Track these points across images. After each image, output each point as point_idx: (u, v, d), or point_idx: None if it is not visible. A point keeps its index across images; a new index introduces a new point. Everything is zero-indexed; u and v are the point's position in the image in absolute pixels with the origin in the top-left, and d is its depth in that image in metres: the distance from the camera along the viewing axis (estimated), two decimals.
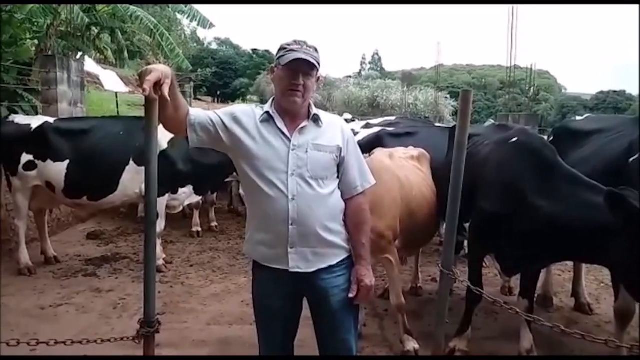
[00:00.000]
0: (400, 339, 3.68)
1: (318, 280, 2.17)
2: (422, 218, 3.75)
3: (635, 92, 55.61)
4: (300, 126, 2.15)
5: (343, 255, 2.23)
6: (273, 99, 2.21)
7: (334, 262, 2.20)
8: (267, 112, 2.15)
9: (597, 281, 5.31)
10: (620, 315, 3.34)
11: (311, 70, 2.11)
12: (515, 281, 4.47)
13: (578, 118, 4.97)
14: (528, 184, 3.12)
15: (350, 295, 2.21)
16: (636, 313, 3.35)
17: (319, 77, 2.20)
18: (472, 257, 3.70)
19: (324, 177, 2.15)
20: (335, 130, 2.23)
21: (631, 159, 3.27)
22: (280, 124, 2.13)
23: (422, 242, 4.34)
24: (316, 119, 2.19)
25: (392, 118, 8.68)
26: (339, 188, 2.22)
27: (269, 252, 2.17)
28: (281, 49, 2.13)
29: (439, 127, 7.19)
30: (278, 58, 2.12)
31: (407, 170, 3.87)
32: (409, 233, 3.60)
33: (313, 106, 2.21)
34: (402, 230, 3.51)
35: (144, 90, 1.84)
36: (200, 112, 2.17)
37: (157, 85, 1.87)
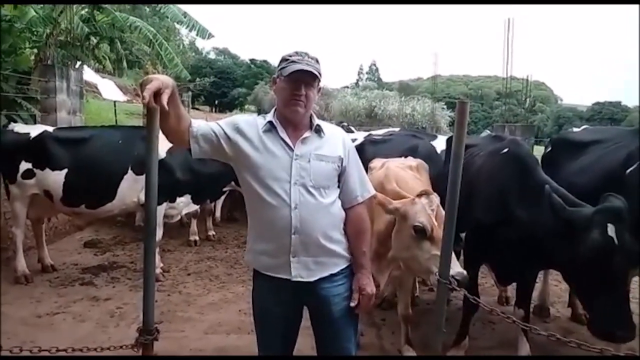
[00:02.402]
0: (399, 349, 3.69)
1: (319, 289, 2.19)
2: None
3: (630, 104, 56.06)
4: (303, 136, 2.17)
5: (344, 264, 2.25)
6: (275, 109, 2.23)
7: (334, 270, 2.22)
8: (270, 122, 2.17)
9: None
10: None
11: (313, 81, 2.15)
12: (512, 291, 4.48)
13: (575, 129, 5.00)
14: (512, 194, 3.22)
15: (352, 304, 2.23)
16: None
17: (320, 88, 2.24)
18: (468, 267, 3.73)
19: (326, 187, 2.17)
20: (337, 141, 2.26)
21: (628, 170, 3.31)
22: (282, 134, 2.16)
23: None
24: (318, 130, 2.22)
25: (397, 129, 8.72)
26: (339, 197, 2.24)
27: (271, 262, 2.18)
28: (283, 60, 2.16)
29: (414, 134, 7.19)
30: (280, 69, 2.15)
31: (408, 179, 3.88)
32: None
33: (315, 117, 2.25)
34: None
35: (143, 98, 1.86)
36: (203, 123, 2.19)
37: (157, 94, 1.88)
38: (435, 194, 2.90)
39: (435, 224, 2.72)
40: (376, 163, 4.02)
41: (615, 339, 2.56)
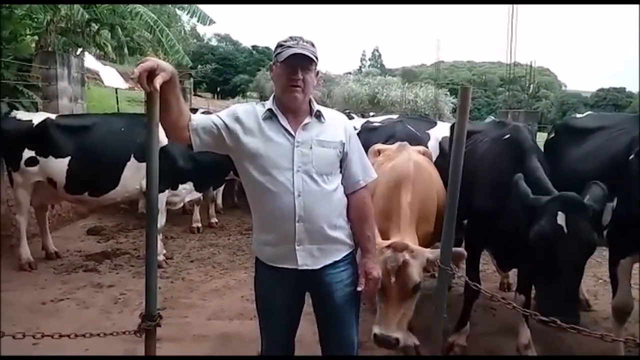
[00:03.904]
0: None
1: (323, 276, 2.20)
2: (440, 214, 3.72)
3: (635, 90, 55.63)
4: (304, 123, 2.16)
5: (346, 251, 2.26)
6: (274, 96, 2.21)
7: (338, 257, 2.22)
8: (270, 110, 2.16)
9: (595, 277, 5.34)
10: (617, 311, 3.36)
11: (309, 65, 2.12)
12: (514, 277, 4.50)
13: (579, 115, 4.97)
14: (510, 180, 3.20)
15: (359, 289, 2.24)
16: (634, 309, 3.38)
17: (318, 72, 2.21)
18: (469, 253, 3.74)
19: (329, 173, 2.17)
20: (338, 126, 2.25)
21: (631, 157, 3.29)
22: (283, 121, 2.14)
23: (437, 239, 4.29)
24: (319, 115, 2.20)
25: (395, 116, 8.63)
26: (341, 183, 2.24)
27: (275, 252, 2.19)
28: (278, 46, 2.14)
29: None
30: (275, 55, 2.13)
31: (429, 165, 3.83)
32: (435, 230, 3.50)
33: (315, 102, 2.23)
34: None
35: (133, 73, 1.83)
36: (202, 116, 2.18)
37: (152, 76, 1.83)
38: (409, 247, 2.74)
39: (392, 281, 2.61)
40: (384, 146, 3.97)
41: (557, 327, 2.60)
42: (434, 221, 3.31)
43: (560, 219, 2.61)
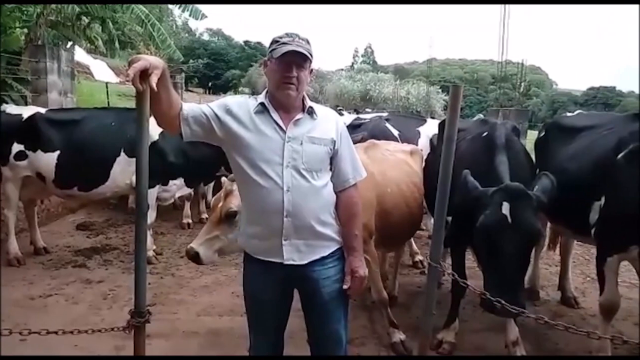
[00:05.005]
0: (387, 332, 3.72)
1: (310, 271, 2.20)
2: (400, 215, 3.70)
3: (625, 89, 56.15)
4: (295, 118, 2.16)
5: (334, 247, 2.26)
6: (267, 91, 2.21)
7: (325, 253, 2.22)
8: (262, 104, 2.15)
9: (583, 275, 5.39)
10: (604, 308, 3.39)
11: (304, 63, 2.12)
12: None
13: (569, 114, 5.00)
14: (480, 177, 3.21)
15: (345, 287, 2.25)
16: (620, 307, 3.41)
17: (312, 69, 2.22)
18: (453, 251, 3.77)
19: (319, 170, 2.17)
20: (330, 123, 2.25)
21: (619, 156, 3.32)
22: (275, 115, 2.14)
23: (400, 239, 4.28)
24: (311, 112, 2.20)
25: (385, 114, 8.65)
26: (331, 180, 2.24)
27: (262, 245, 2.19)
28: (273, 42, 2.14)
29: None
30: (270, 51, 2.13)
31: (386, 164, 3.82)
32: (385, 231, 3.53)
33: (308, 99, 2.23)
34: (378, 228, 3.44)
35: (127, 75, 1.84)
36: (193, 105, 2.17)
37: (145, 75, 1.85)
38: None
39: (219, 205, 2.73)
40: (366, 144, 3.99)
41: (498, 312, 2.68)
42: (364, 213, 3.24)
43: (505, 208, 2.72)
